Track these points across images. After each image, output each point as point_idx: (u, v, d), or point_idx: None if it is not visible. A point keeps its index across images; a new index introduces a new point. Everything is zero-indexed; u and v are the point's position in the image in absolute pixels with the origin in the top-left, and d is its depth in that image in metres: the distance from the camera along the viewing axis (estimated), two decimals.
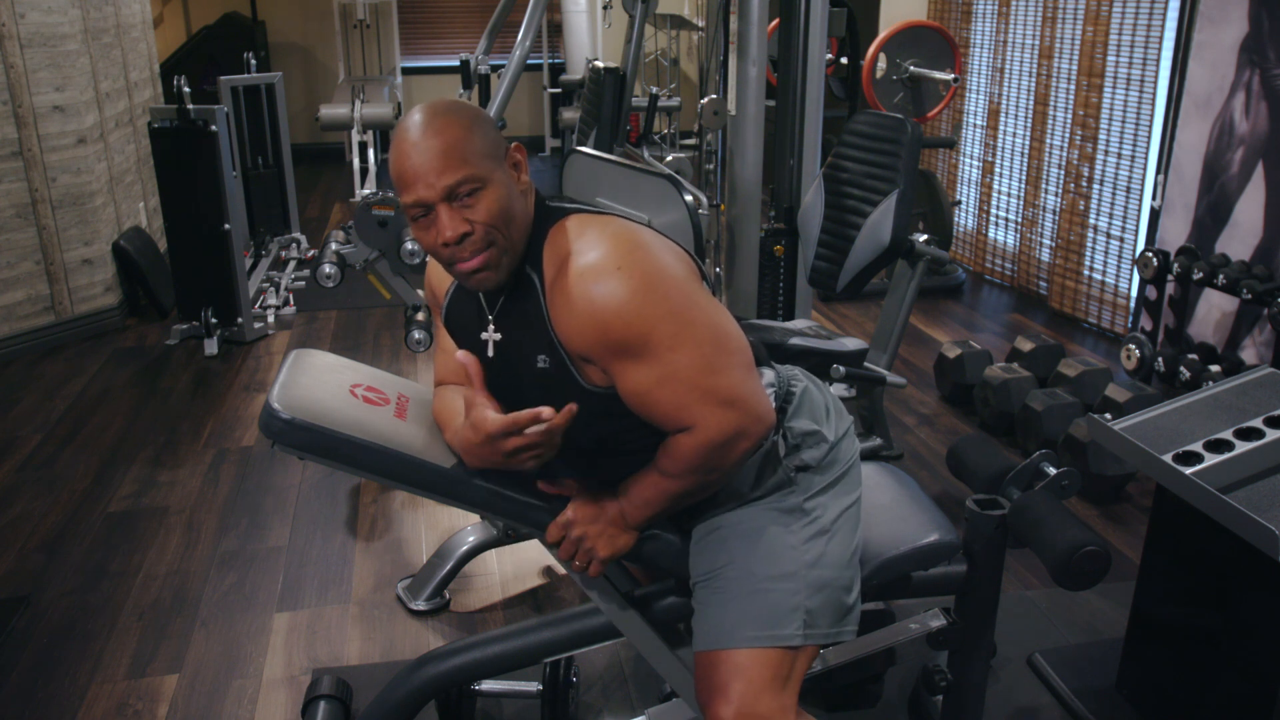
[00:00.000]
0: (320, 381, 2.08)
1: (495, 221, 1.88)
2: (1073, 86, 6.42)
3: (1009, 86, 7.12)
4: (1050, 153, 6.71)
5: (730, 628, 2.05)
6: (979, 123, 7.55)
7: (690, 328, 1.88)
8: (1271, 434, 2.56)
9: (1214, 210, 5.25)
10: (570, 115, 10.11)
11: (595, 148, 5.65)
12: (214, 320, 5.93)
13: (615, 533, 2.09)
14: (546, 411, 1.89)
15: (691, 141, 9.87)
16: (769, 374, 2.16)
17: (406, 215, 1.92)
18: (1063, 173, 6.57)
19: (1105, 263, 6.28)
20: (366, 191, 7.70)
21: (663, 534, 2.18)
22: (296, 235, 7.88)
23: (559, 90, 11.27)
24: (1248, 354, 5.05)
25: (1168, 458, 2.56)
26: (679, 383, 1.88)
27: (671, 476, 2.01)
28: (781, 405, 2.14)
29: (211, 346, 5.90)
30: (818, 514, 2.12)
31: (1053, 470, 2.55)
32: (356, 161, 9.67)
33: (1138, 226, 6.00)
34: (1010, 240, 7.28)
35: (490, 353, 2.07)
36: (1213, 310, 5.26)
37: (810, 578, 2.07)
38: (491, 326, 2.06)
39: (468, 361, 1.99)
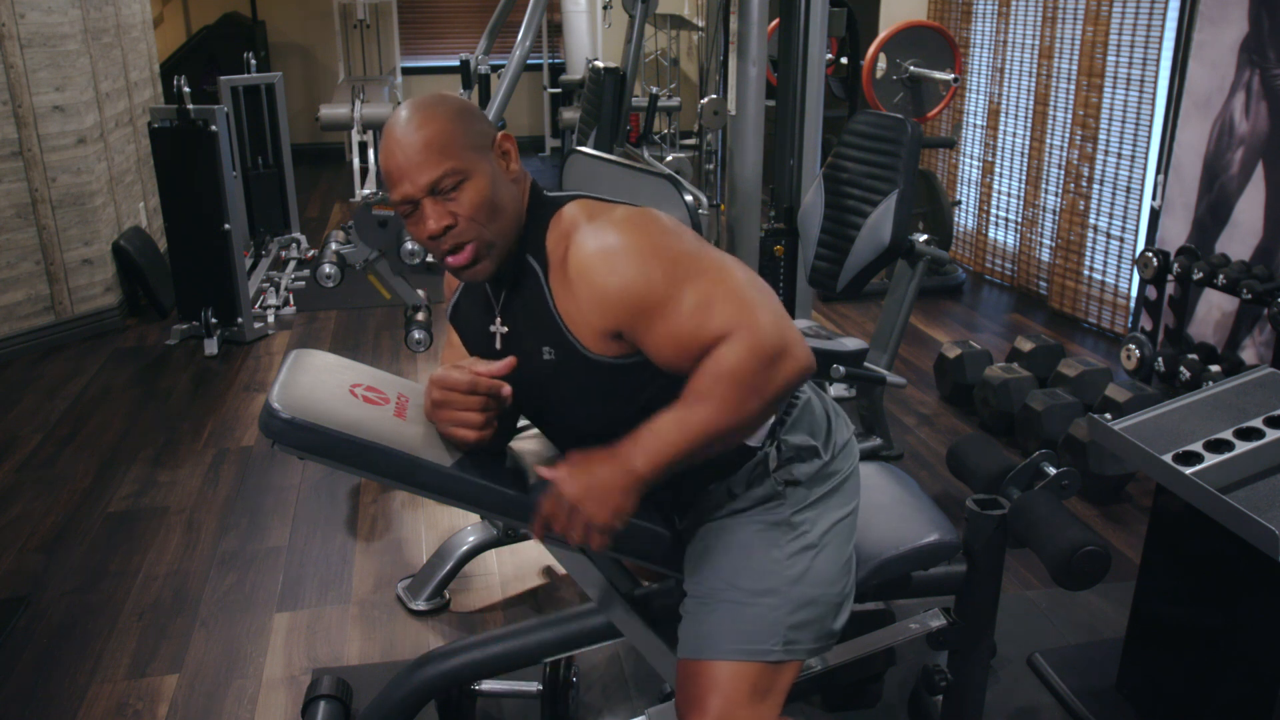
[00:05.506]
0: (320, 381, 2.08)
1: (478, 213, 1.90)
2: (1073, 86, 6.42)
3: (1009, 86, 7.12)
4: (1050, 153, 6.72)
5: (711, 639, 2.04)
6: (979, 123, 7.55)
7: (696, 262, 1.84)
8: (1271, 434, 2.56)
9: (1214, 210, 5.25)
10: (570, 115, 10.12)
11: (595, 148, 5.65)
12: (214, 320, 5.93)
13: (611, 491, 1.84)
14: (506, 389, 1.96)
15: (691, 141, 9.88)
16: None
17: (398, 211, 1.95)
18: (1063, 173, 6.57)
19: (1105, 263, 6.28)
20: (366, 191, 7.69)
21: (660, 531, 2.17)
22: (296, 235, 7.88)
23: (559, 90, 11.28)
24: (1248, 354, 5.05)
25: (1168, 458, 2.56)
26: (710, 315, 1.80)
27: (702, 400, 1.82)
28: (781, 417, 2.11)
29: (211, 346, 5.90)
30: (805, 528, 2.10)
31: (1052, 470, 2.55)
32: (356, 161, 9.67)
33: (1138, 226, 6.01)
34: (1010, 240, 7.29)
35: (498, 345, 2.07)
36: (1213, 310, 5.26)
37: (794, 594, 2.05)
38: (499, 319, 2.06)
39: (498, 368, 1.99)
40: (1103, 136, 6.18)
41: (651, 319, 1.84)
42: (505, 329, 2.05)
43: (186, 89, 5.92)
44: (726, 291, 1.82)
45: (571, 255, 1.89)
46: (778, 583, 2.05)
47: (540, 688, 2.89)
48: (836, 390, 4.41)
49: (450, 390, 1.98)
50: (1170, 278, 5.09)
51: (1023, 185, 7.04)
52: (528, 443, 2.28)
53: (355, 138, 9.76)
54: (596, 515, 1.85)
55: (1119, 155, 6.07)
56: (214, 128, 5.76)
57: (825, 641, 2.11)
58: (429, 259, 4.09)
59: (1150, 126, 5.82)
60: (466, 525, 3.78)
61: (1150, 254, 5.12)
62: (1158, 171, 5.65)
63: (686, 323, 1.81)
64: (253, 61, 7.89)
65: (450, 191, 1.88)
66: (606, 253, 1.85)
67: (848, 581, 2.15)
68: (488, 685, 2.95)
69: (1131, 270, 6.04)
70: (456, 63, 8.27)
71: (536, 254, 1.97)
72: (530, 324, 1.99)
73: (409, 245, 4.05)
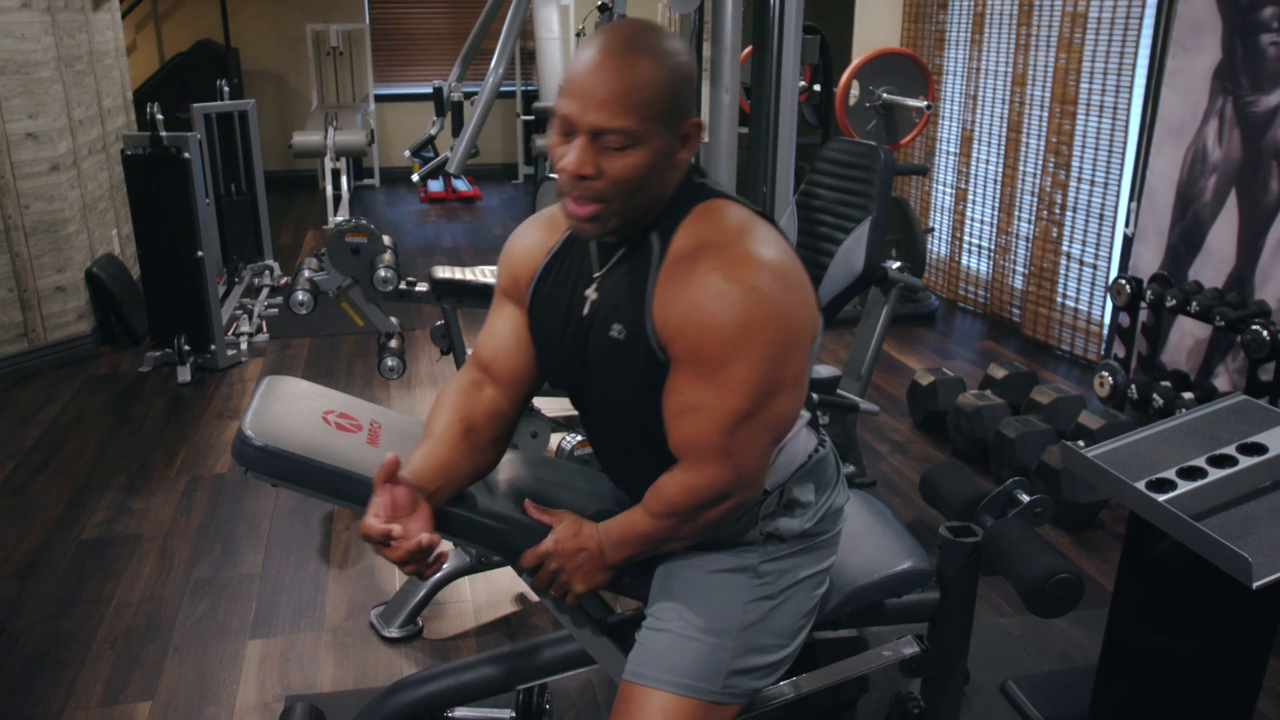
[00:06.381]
0: (293, 408, 2.08)
1: (622, 184, 1.80)
2: (1046, 113, 6.46)
3: (982, 113, 7.16)
4: (1023, 180, 6.75)
5: (654, 667, 2.03)
6: (952, 150, 7.59)
7: (758, 382, 1.80)
8: (1244, 461, 2.57)
9: (1187, 237, 5.28)
10: (543, 142, 10.13)
11: None
12: (187, 347, 5.90)
13: (593, 568, 2.07)
14: (426, 538, 1.89)
15: None
16: (813, 439, 2.15)
17: (550, 123, 1.84)
18: (1036, 200, 6.61)
19: (1078, 290, 6.31)
20: (339, 219, 7.69)
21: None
22: (269, 262, 7.85)
23: (532, 117, 11.30)
24: (1220, 381, 5.08)
25: (1141, 484, 2.57)
26: (708, 419, 1.83)
27: (652, 515, 1.97)
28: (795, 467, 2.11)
29: (184, 373, 5.87)
30: (770, 579, 2.09)
31: (1026, 497, 2.56)
32: (329, 188, 9.68)
33: (1111, 253, 6.04)
34: (983, 267, 7.31)
35: (585, 311, 1.99)
36: (1186, 337, 5.29)
37: (743, 639, 2.05)
38: (595, 285, 1.99)
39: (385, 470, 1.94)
40: (1076, 163, 6.22)
41: (686, 381, 1.85)
42: (596, 295, 1.98)
43: (159, 116, 5.91)
44: (732, 424, 1.84)
45: (704, 268, 1.81)
46: (729, 625, 2.05)
47: (513, 715, 2.87)
48: None
49: (375, 542, 1.90)
50: (1143, 305, 5.12)
51: (996, 212, 7.07)
52: (501, 471, 2.28)
53: (328, 165, 9.77)
54: (575, 584, 2.08)
55: (1092, 182, 6.11)
56: (187, 155, 5.75)
57: (758, 688, 2.11)
58: (401, 286, 4.09)
59: (1123, 153, 5.86)
60: None
61: (1123, 281, 5.15)
62: (1131, 198, 5.69)
63: (686, 417, 1.86)
64: (225, 89, 7.87)
65: (611, 148, 1.78)
66: (723, 303, 1.78)
67: (799, 638, 2.15)
68: (460, 713, 2.93)
69: (1105, 297, 6.07)
70: (430, 90, 8.27)
71: (663, 236, 1.90)
72: (618, 298, 1.93)
73: (382, 273, 4.04)
